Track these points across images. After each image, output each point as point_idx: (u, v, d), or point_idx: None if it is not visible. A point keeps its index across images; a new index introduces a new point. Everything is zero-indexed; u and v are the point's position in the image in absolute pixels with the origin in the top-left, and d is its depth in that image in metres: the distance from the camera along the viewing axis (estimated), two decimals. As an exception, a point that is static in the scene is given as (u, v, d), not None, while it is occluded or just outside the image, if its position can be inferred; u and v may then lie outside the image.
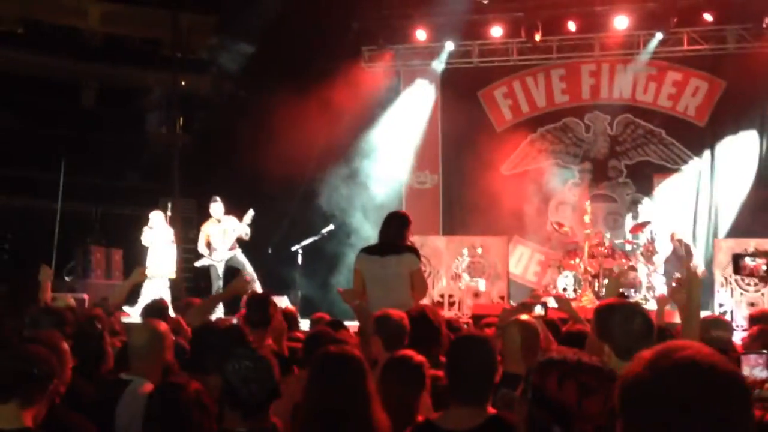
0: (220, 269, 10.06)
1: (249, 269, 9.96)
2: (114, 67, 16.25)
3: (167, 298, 9.64)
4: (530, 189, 11.82)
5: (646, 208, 11.73)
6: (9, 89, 15.59)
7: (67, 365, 3.29)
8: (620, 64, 12.19)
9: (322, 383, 2.73)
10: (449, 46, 12.64)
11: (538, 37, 11.87)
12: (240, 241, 10.00)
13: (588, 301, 9.93)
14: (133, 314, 8.28)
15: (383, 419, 2.73)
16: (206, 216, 10.35)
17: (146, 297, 9.65)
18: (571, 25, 11.97)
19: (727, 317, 8.25)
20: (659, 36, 11.69)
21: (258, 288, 9.77)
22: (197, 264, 10.51)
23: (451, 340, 3.40)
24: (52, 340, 3.17)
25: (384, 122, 12.67)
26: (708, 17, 11.49)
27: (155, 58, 16.37)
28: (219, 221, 10.04)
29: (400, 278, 5.25)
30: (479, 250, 11.25)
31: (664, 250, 10.70)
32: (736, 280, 9.88)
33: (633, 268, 10.41)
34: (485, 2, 11.76)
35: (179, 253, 12.55)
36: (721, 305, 9.81)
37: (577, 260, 10.53)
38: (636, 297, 9.93)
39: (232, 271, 10.09)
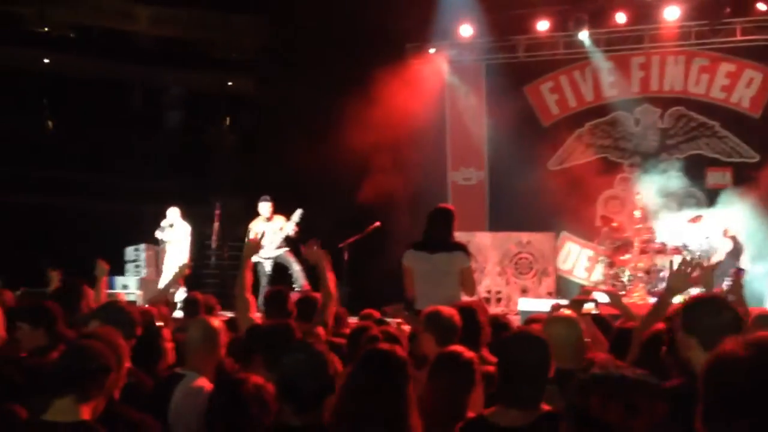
0: (268, 267, 10.15)
1: (296, 267, 10.03)
2: (162, 69, 16.54)
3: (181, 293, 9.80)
4: (578, 184, 11.64)
5: (699, 202, 11.47)
6: (61, 92, 16.00)
7: (124, 361, 3.36)
8: (671, 56, 11.93)
9: (361, 380, 2.73)
10: (494, 41, 12.54)
11: (585, 33, 11.72)
12: (288, 240, 10.08)
13: (639, 297, 9.76)
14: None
15: (417, 424, 2.71)
16: (254, 214, 10.45)
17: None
18: (620, 17, 11.77)
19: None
20: (711, 27, 11.42)
21: (304, 286, 9.85)
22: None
23: (503, 337, 3.36)
24: (109, 336, 3.24)
25: (429, 119, 12.63)
26: (762, 7, 11.17)
27: (202, 60, 16.62)
28: (267, 220, 10.13)
29: (450, 276, 5.24)
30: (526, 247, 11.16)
31: (717, 246, 10.44)
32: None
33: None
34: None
35: (226, 250, 12.74)
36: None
37: (628, 256, 10.36)
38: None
39: (279, 269, 10.19)
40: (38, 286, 9.03)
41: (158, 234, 10.69)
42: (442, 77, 12.99)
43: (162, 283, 10.11)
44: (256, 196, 10.49)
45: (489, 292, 11.50)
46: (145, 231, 11.91)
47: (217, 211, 12.30)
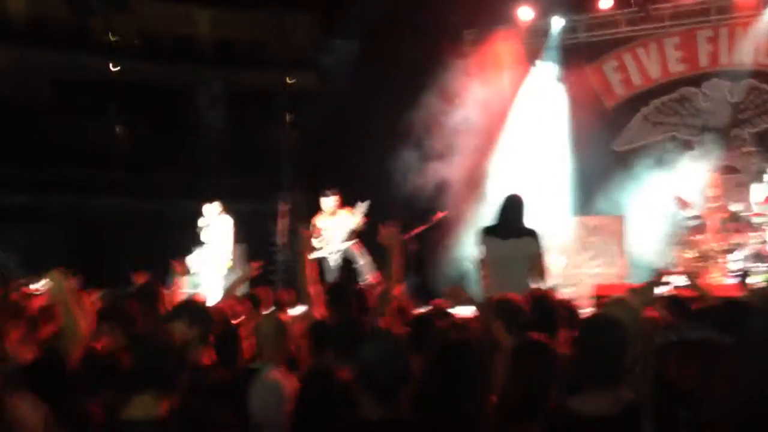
0: (333, 262, 10.22)
1: (362, 261, 10.07)
2: (224, 70, 16.86)
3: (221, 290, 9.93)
4: (646, 164, 11.35)
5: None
6: (129, 98, 16.47)
7: (196, 357, 3.44)
8: (740, 27, 11.48)
9: (438, 370, 2.71)
10: (555, 23, 12.31)
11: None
12: (354, 233, 10.12)
13: (715, 278, 9.45)
14: None
15: (492, 412, 2.69)
16: (318, 210, 10.53)
17: (204, 289, 10.01)
18: (684, -10, 11.41)
19: None
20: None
21: (370, 279, 9.89)
22: (311, 257, 10.70)
23: (581, 321, 3.31)
24: (182, 334, 3.33)
25: (491, 107, 12.48)
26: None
27: (263, 59, 16.87)
28: (331, 214, 10.19)
29: (521, 262, 5.20)
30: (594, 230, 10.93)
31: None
32: None
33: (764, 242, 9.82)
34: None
35: (292, 246, 12.89)
36: None
37: (702, 236, 10.04)
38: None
39: (345, 263, 10.25)
40: (116, 287, 9.36)
41: (199, 228, 10.70)
42: (501, 62, 12.81)
43: (217, 283, 10.30)
44: (319, 191, 10.56)
45: (558, 277, 11.30)
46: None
47: (283, 208, 12.45)
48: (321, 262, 10.20)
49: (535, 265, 5.24)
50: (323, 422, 2.62)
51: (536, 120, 12.50)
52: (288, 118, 16.72)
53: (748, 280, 8.33)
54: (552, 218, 11.63)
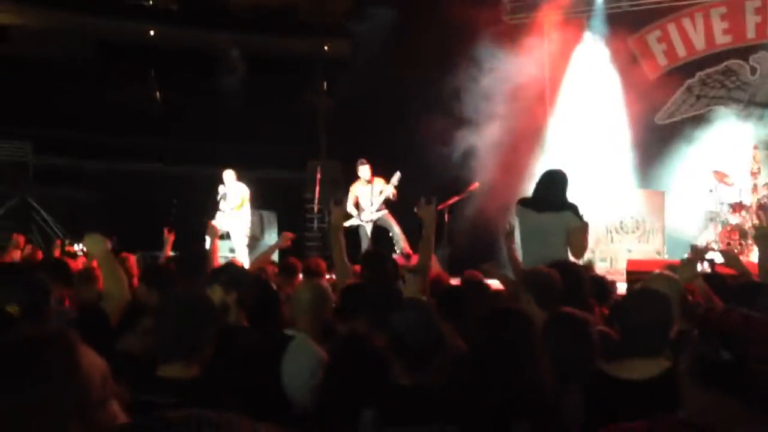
0: (368, 230, 10.24)
1: (396, 230, 10.08)
2: (259, 36, 16.83)
3: (246, 256, 9.96)
4: (689, 138, 11.10)
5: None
6: (166, 64, 16.55)
7: (233, 320, 3.48)
8: (790, -2, 11.10)
9: (486, 339, 2.69)
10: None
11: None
12: (387, 202, 10.12)
13: (756, 256, 9.26)
14: None
15: (549, 379, 2.66)
16: (352, 178, 10.54)
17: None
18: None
19: None
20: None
21: (404, 248, 9.90)
22: (345, 224, 10.75)
23: (626, 293, 3.29)
24: (219, 298, 3.37)
25: (529, 76, 12.29)
26: None
27: (298, 25, 16.79)
28: (367, 182, 10.20)
29: (556, 236, 5.11)
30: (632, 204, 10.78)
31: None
32: None
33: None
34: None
35: (327, 214, 12.93)
36: None
37: (744, 213, 9.84)
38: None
39: (380, 232, 10.27)
40: (152, 250, 9.51)
41: (219, 195, 10.65)
42: (542, 33, 12.58)
43: (243, 248, 10.35)
44: (355, 159, 10.55)
45: (593, 252, 11.20)
46: (249, 195, 12.22)
47: (318, 176, 12.48)
48: (356, 229, 10.24)
49: (573, 240, 5.14)
50: (356, 388, 2.64)
51: (578, 92, 12.28)
52: (323, 85, 16.69)
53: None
54: (591, 191, 11.50)
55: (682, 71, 11.84)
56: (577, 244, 5.16)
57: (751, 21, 11.41)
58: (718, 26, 11.55)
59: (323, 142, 14.60)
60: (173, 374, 2.59)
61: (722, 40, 11.57)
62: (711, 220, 10.64)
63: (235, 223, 10.62)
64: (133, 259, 5.80)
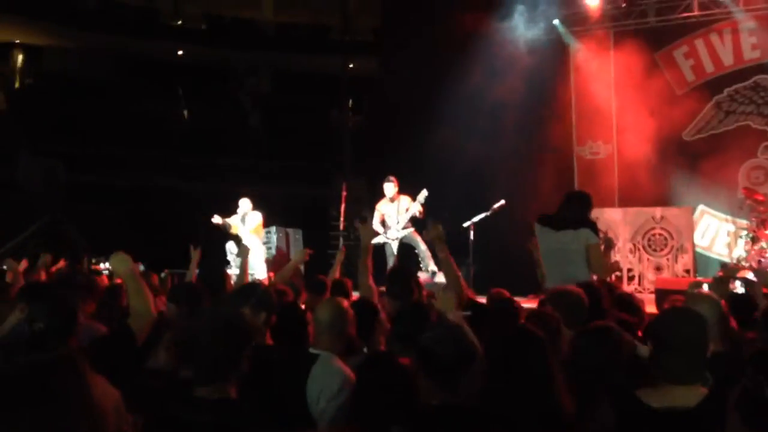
0: (395, 247, 10.22)
1: (422, 247, 10.04)
2: (286, 54, 17.00)
3: (264, 275, 9.96)
4: (717, 154, 10.97)
5: None
6: (194, 81, 16.78)
7: (261, 339, 3.49)
8: (821, 12, 10.97)
9: (501, 359, 2.68)
10: (623, 6, 11.97)
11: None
12: (413, 220, 10.10)
13: (788, 275, 9.09)
14: None
15: (567, 401, 2.63)
16: (378, 195, 10.54)
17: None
18: (761, -27, 10.93)
19: None
20: None
21: (431, 266, 9.86)
22: (372, 242, 10.72)
23: (660, 313, 3.22)
24: (247, 317, 3.38)
25: (553, 92, 12.27)
26: None
27: (324, 43, 16.94)
28: (392, 200, 10.19)
29: (576, 254, 5.08)
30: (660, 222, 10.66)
31: None
32: None
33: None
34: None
35: (352, 231, 12.94)
36: None
37: (773, 230, 9.68)
38: None
39: (406, 249, 10.25)
40: (179, 268, 9.59)
41: (231, 221, 10.67)
42: (567, 48, 12.56)
43: (259, 271, 10.38)
44: (381, 176, 10.56)
45: (620, 270, 11.09)
46: (275, 213, 12.30)
47: (344, 193, 12.51)
48: (382, 247, 10.23)
49: (591, 257, 5.10)
50: (383, 408, 2.62)
51: (604, 108, 12.21)
52: (349, 102, 16.79)
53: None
54: (614, 210, 11.41)
55: (710, 87, 11.72)
56: (595, 261, 5.12)
57: (781, 36, 11.28)
58: (747, 42, 11.43)
59: (349, 159, 14.65)
60: (210, 394, 2.58)
61: (751, 55, 11.45)
62: (741, 237, 10.48)
63: (254, 244, 10.70)
64: (156, 278, 5.85)
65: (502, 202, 10.10)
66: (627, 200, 11.76)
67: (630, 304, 4.77)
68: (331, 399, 3.03)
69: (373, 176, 11.84)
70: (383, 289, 4.75)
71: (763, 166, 11.15)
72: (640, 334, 3.95)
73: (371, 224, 10.41)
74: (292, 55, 16.97)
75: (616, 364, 2.94)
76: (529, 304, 5.27)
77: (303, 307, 4.45)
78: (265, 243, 11.72)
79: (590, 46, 12.38)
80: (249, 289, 3.82)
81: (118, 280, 4.83)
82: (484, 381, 2.62)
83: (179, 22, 16.35)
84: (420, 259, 10.08)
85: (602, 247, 5.31)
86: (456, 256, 4.73)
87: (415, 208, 9.90)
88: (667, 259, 10.82)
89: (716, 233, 11.51)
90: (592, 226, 5.26)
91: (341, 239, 13.06)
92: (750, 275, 4.94)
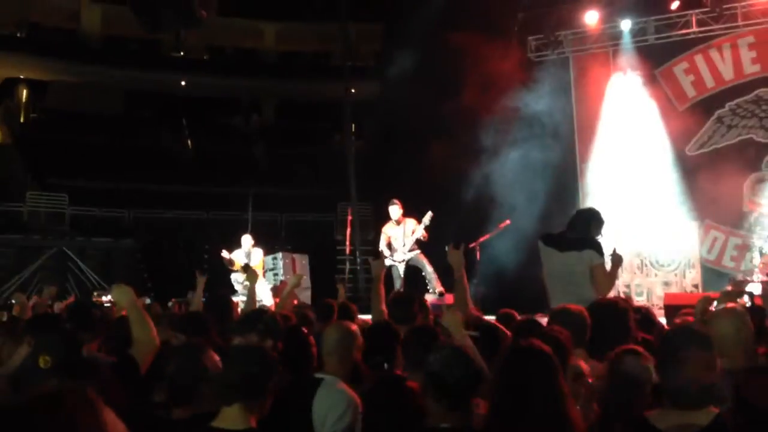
0: (401, 270, 10.19)
1: (429, 269, 10.01)
2: (288, 81, 17.13)
3: (270, 300, 9.95)
4: (721, 168, 10.95)
5: None
6: (197, 111, 16.89)
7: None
8: (818, 24, 11.00)
9: (510, 378, 2.65)
10: (622, 26, 12.05)
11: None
12: (419, 242, 10.08)
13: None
14: None
15: (577, 418, 2.60)
16: (383, 218, 10.54)
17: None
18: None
19: None
20: None
21: (437, 287, 9.83)
22: (385, 265, 10.70)
23: (663, 331, 3.17)
24: (262, 343, 3.37)
25: (557, 112, 12.30)
26: None
27: (326, 70, 17.07)
28: (398, 223, 10.18)
29: (581, 276, 5.03)
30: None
31: None
32: None
33: None
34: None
35: (358, 254, 12.94)
36: None
37: (781, 243, 9.63)
38: None
39: (413, 271, 10.22)
40: (186, 297, 9.58)
41: (234, 257, 10.67)
42: (568, 67, 12.62)
43: (265, 298, 10.37)
44: (384, 200, 10.57)
45: (628, 286, 11.04)
46: (281, 239, 12.32)
47: (349, 217, 12.52)
48: (390, 269, 10.20)
49: (597, 278, 5.04)
50: (393, 430, 2.60)
51: (607, 126, 12.23)
52: (352, 128, 16.87)
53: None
54: (623, 225, 11.37)
55: (711, 102, 11.74)
56: (600, 281, 5.07)
57: (780, 49, 11.32)
58: (746, 56, 11.47)
59: (353, 184, 14.68)
60: (230, 425, 2.56)
61: (751, 69, 11.48)
62: (748, 250, 10.43)
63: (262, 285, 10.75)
64: (158, 307, 5.83)
65: (507, 221, 10.08)
66: (632, 215, 11.72)
67: (647, 319, 4.71)
68: (337, 421, 3.00)
69: (377, 200, 11.85)
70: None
71: (766, 179, 11.12)
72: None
73: (381, 258, 10.38)
74: (294, 82, 17.09)
75: (642, 391, 2.89)
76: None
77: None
78: (271, 269, 11.71)
79: (590, 65, 12.44)
80: (255, 316, 3.81)
81: (123, 312, 4.83)
82: (493, 400, 2.59)
83: (181, 54, 16.50)
84: (427, 281, 10.05)
85: (609, 265, 5.27)
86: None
87: (420, 230, 9.90)
88: (675, 275, 10.76)
89: (723, 247, 11.46)
90: (597, 246, 5.19)
91: (347, 263, 13.05)
92: (756, 288, 4.89)
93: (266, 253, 11.31)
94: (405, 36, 13.38)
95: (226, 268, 10.60)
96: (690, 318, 4.44)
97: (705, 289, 10.31)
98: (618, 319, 3.85)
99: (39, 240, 13.92)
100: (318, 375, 3.29)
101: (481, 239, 10.16)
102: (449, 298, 9.24)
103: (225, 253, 10.56)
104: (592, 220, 5.30)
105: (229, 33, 16.96)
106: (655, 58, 12.03)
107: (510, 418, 2.51)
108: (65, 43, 16.33)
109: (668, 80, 12.00)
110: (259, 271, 10.75)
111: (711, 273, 11.16)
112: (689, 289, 10.60)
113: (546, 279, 5.30)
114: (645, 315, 4.76)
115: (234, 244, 10.78)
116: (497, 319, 5.07)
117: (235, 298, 9.80)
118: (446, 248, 4.64)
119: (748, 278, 9.41)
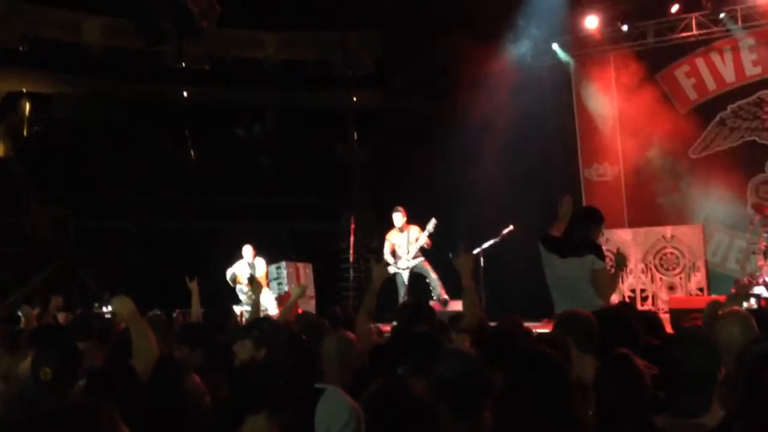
0: (405, 277, 10.19)
1: (433, 276, 10.01)
2: (290, 91, 17.15)
3: (275, 310, 9.92)
4: (725, 171, 10.93)
5: None
6: (200, 121, 16.91)
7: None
8: (820, 25, 10.99)
9: (520, 385, 2.63)
10: (623, 29, 12.05)
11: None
12: (423, 249, 10.07)
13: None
14: None
15: (585, 420, 2.58)
16: (386, 226, 10.53)
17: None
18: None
19: None
20: None
21: (442, 294, 9.82)
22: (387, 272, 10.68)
23: (665, 337, 3.15)
24: (248, 353, 3.36)
25: (556, 116, 12.31)
26: None
27: (327, 78, 17.09)
28: (402, 230, 10.18)
29: (584, 282, 5.01)
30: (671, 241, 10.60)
31: None
32: None
33: None
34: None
35: (362, 263, 12.91)
36: None
37: (787, 244, 9.59)
38: None
39: (417, 279, 10.21)
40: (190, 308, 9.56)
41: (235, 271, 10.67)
42: (568, 72, 12.63)
43: (270, 308, 10.36)
44: (388, 207, 10.56)
45: (633, 291, 11.02)
46: (284, 248, 12.30)
47: (352, 225, 12.51)
48: (393, 277, 10.19)
49: (598, 282, 5.02)
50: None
51: (609, 129, 12.23)
52: (354, 136, 16.87)
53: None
54: (624, 230, 11.35)
55: (713, 104, 11.73)
56: (603, 286, 5.05)
57: (781, 51, 11.31)
58: (747, 58, 11.46)
59: (356, 192, 14.68)
60: None
61: (752, 71, 11.47)
62: (753, 253, 10.39)
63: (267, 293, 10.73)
64: (163, 317, 5.83)
65: (511, 227, 10.06)
66: (636, 221, 11.72)
67: (653, 322, 4.69)
68: (341, 430, 2.99)
69: (381, 207, 11.85)
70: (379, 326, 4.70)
71: (771, 181, 11.11)
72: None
73: (383, 263, 10.37)
74: (296, 91, 17.11)
75: (640, 396, 2.87)
76: (543, 329, 5.19)
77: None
78: (275, 279, 11.70)
79: (592, 69, 12.45)
80: (254, 323, 3.80)
81: (122, 323, 4.84)
82: (502, 406, 2.58)
83: (183, 64, 16.54)
84: (431, 288, 10.04)
85: (612, 268, 5.24)
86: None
87: (424, 238, 9.89)
88: (680, 278, 10.74)
89: (728, 250, 11.42)
90: (598, 250, 5.17)
91: (351, 271, 13.04)
92: (764, 291, 4.86)
93: (270, 263, 11.30)
94: (406, 43, 13.41)
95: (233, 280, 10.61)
96: (698, 322, 4.42)
97: (710, 292, 10.28)
98: (624, 325, 3.83)
99: (44, 253, 13.93)
100: (319, 385, 3.28)
101: (485, 245, 10.14)
102: (454, 305, 9.23)
103: (229, 277, 10.53)
104: (590, 220, 5.29)
105: (230, 43, 17.00)
106: (656, 62, 12.02)
107: (519, 424, 2.49)
108: (67, 56, 16.37)
109: (669, 83, 11.99)
110: (264, 281, 10.75)
111: (717, 276, 11.12)
112: (694, 292, 10.56)
113: (549, 286, 5.28)
114: (651, 320, 4.74)
115: (238, 255, 10.78)
116: (502, 325, 5.06)
117: (240, 309, 9.82)
118: (450, 255, 4.62)
119: (753, 281, 9.37)
